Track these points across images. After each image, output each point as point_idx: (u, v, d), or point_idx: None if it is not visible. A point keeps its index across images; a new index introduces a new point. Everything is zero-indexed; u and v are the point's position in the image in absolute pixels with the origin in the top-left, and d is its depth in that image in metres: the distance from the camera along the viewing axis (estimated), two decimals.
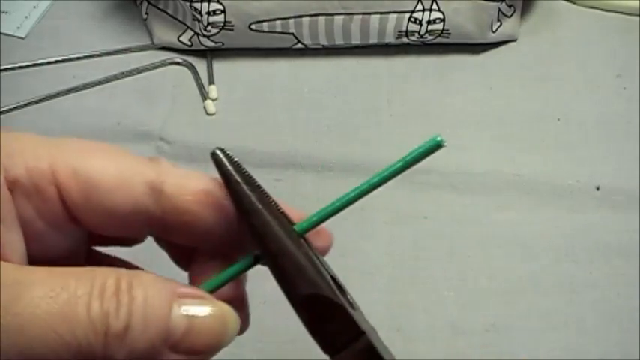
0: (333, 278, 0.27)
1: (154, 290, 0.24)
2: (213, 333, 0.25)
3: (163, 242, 0.30)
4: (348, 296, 0.28)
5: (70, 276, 0.23)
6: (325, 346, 0.26)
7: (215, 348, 0.25)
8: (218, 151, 0.27)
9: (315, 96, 0.61)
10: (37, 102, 0.61)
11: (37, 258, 0.25)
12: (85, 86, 0.62)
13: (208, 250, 0.29)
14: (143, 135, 0.59)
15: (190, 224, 0.27)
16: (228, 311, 0.25)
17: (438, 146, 0.25)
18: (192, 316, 0.24)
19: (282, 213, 0.27)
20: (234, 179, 0.26)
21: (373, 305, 0.50)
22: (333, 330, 0.26)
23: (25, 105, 0.61)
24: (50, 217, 0.26)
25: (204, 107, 0.60)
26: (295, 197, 0.55)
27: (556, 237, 0.52)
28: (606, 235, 0.52)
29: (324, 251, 0.29)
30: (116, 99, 0.61)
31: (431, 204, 0.54)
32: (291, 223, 0.27)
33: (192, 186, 0.27)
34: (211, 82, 0.62)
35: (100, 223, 0.26)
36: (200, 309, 0.25)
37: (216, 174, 0.27)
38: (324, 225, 0.28)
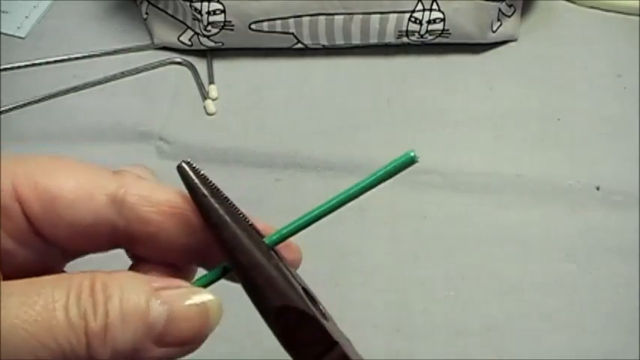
0: (305, 290, 0.27)
1: (130, 286, 0.24)
2: (196, 321, 0.25)
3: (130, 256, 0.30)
4: (321, 307, 0.28)
5: (46, 283, 0.23)
6: (298, 358, 0.26)
7: (200, 336, 0.25)
8: (184, 164, 0.27)
9: (315, 96, 0.61)
10: (37, 102, 0.61)
11: (11, 277, 0.25)
12: (85, 86, 0.62)
13: (174, 264, 0.28)
14: (143, 135, 0.59)
15: (155, 235, 0.27)
16: (209, 298, 0.25)
17: (411, 162, 0.26)
18: (172, 307, 0.24)
19: (252, 225, 0.27)
20: (201, 192, 0.26)
21: (373, 305, 0.50)
22: (306, 341, 0.26)
23: (25, 105, 0.61)
24: (17, 234, 0.26)
25: (204, 107, 0.60)
26: (295, 197, 0.55)
27: (556, 237, 0.52)
28: (606, 235, 0.52)
29: (295, 264, 0.29)
30: (116, 99, 0.61)
31: (431, 204, 0.54)
32: (260, 235, 0.27)
33: (156, 197, 0.27)
34: (211, 82, 0.62)
35: (64, 236, 0.26)
36: (179, 299, 0.24)
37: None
38: (293, 239, 0.28)
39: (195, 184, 0.26)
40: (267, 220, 0.58)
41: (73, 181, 0.26)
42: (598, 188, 0.54)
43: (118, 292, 0.23)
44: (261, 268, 0.26)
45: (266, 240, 0.27)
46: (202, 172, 0.27)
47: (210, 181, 0.27)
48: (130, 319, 0.23)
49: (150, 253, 0.28)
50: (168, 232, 0.27)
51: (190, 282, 0.27)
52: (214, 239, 0.26)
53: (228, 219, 0.26)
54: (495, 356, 0.48)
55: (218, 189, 0.27)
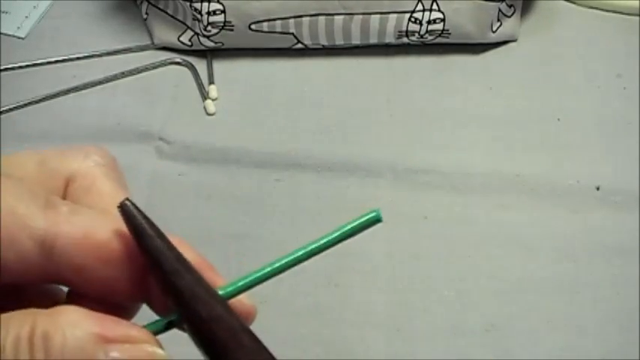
0: None
1: (75, 336, 0.21)
2: None
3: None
4: None
5: None
6: None
7: None
8: (128, 203, 0.24)
9: (315, 96, 0.61)
10: (37, 102, 0.61)
11: None
12: (85, 86, 0.62)
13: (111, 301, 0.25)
14: (143, 135, 0.59)
15: (91, 280, 0.24)
16: (160, 355, 0.23)
17: (376, 221, 0.25)
18: None
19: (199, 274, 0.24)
20: (149, 233, 0.24)
21: (373, 305, 0.50)
22: None
23: (25, 105, 0.61)
24: None
25: (204, 107, 0.60)
26: (295, 197, 0.55)
27: (556, 237, 0.52)
28: (606, 235, 0.52)
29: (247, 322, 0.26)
30: (116, 99, 0.61)
31: (431, 204, 0.54)
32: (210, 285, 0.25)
33: (92, 239, 0.23)
34: (211, 82, 0.62)
35: None
36: (128, 355, 0.22)
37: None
38: (245, 295, 0.25)
39: (142, 224, 0.24)
40: (267, 221, 0.59)
41: None
42: (598, 188, 0.54)
43: (59, 345, 0.21)
44: (223, 321, 0.23)
45: (220, 291, 0.25)
46: (143, 211, 0.24)
47: (154, 223, 0.24)
48: None
49: (87, 292, 0.25)
50: (106, 277, 0.24)
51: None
52: (165, 287, 0.24)
53: (181, 266, 0.24)
54: (495, 356, 0.48)
55: (162, 232, 0.24)
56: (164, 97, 0.61)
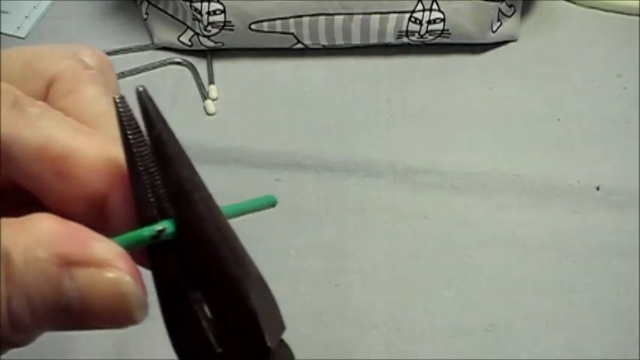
0: None
1: (37, 258, 0.19)
2: (110, 309, 0.20)
3: None
4: None
5: None
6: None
7: (117, 324, 0.20)
8: (142, 89, 0.21)
9: (315, 96, 0.61)
10: None
11: None
12: None
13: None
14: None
15: (48, 194, 0.21)
16: (126, 283, 0.20)
17: (272, 205, 0.25)
18: (84, 289, 0.20)
19: None
20: (167, 127, 0.21)
21: (373, 305, 0.50)
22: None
23: None
24: None
25: (204, 107, 0.60)
26: (295, 197, 0.55)
27: (556, 237, 0.52)
28: (606, 235, 0.52)
29: None
30: None
31: (431, 204, 0.54)
32: None
33: (50, 150, 0.21)
34: (211, 82, 0.62)
35: None
36: (92, 281, 0.20)
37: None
38: None
39: (160, 115, 0.21)
40: (267, 220, 0.58)
41: None
42: (598, 188, 0.54)
43: (21, 267, 0.19)
44: (232, 231, 0.21)
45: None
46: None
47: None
48: (36, 302, 0.19)
49: (49, 205, 0.22)
50: (63, 193, 0.21)
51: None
52: (170, 183, 0.21)
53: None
54: (495, 356, 0.48)
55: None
56: (164, 97, 0.61)
